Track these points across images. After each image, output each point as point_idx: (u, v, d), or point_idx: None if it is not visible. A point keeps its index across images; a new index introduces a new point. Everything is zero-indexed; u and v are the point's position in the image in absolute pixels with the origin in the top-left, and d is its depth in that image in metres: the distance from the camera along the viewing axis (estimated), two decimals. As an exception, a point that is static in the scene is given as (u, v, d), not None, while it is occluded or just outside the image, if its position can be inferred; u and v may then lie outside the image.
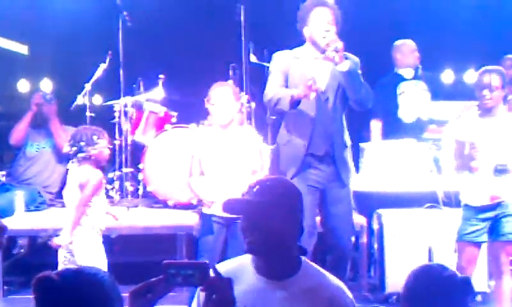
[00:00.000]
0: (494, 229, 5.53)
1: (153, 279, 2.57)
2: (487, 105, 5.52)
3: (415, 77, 7.99)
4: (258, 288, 3.06)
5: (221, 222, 5.67)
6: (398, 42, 8.13)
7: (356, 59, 5.64)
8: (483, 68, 5.62)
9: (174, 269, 2.54)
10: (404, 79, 7.99)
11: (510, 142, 5.48)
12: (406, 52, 8.05)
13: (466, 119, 5.74)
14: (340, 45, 5.33)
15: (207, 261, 2.60)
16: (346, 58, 5.41)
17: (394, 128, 7.81)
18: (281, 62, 5.70)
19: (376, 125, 8.01)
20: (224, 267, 3.04)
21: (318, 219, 5.88)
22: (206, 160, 5.80)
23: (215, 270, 2.58)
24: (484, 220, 5.53)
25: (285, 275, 3.07)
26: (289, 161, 5.67)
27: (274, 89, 5.57)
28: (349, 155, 5.77)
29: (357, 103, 5.61)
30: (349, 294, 3.15)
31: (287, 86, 5.60)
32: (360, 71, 5.62)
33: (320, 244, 5.85)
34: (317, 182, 5.64)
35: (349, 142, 5.78)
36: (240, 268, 3.10)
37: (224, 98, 5.78)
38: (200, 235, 5.82)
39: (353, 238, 6.04)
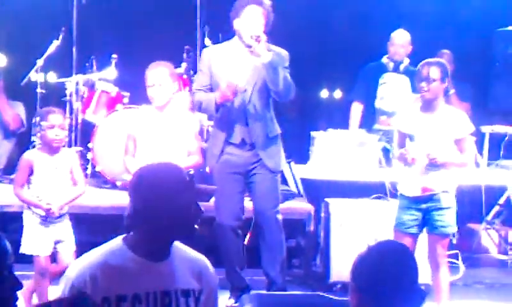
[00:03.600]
0: (427, 222, 5.63)
1: None
2: (425, 97, 5.60)
3: (396, 70, 8.00)
4: (140, 269, 3.08)
5: None
6: (396, 33, 8.14)
7: (284, 53, 5.91)
8: (424, 61, 5.68)
9: None
10: (387, 70, 8.05)
11: (446, 136, 5.57)
12: (398, 43, 8.08)
13: (408, 112, 5.82)
14: (262, 36, 5.59)
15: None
16: (270, 50, 5.66)
17: (370, 116, 7.86)
18: (205, 60, 5.99)
19: (356, 108, 8.12)
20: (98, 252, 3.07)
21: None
22: (140, 140, 5.79)
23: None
24: (417, 210, 5.63)
25: (165, 256, 3.13)
26: (212, 150, 5.99)
27: (198, 94, 5.89)
28: (274, 144, 5.96)
29: (276, 95, 5.83)
30: (212, 268, 3.30)
31: (211, 84, 5.88)
32: (286, 64, 5.89)
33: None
34: (238, 166, 5.89)
35: (274, 132, 5.97)
36: (114, 252, 3.10)
37: (159, 79, 5.76)
38: None
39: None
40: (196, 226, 3.12)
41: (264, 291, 5.95)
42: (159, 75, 5.78)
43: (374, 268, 2.74)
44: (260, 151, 5.85)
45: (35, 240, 5.53)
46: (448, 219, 5.60)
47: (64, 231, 5.61)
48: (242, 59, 5.81)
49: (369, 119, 7.97)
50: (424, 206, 5.61)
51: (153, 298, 3.07)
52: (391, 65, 8.05)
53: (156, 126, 5.79)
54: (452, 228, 5.65)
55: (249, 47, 5.66)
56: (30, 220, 5.57)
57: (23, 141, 7.93)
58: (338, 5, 9.00)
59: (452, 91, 8.18)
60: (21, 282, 2.56)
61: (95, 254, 3.10)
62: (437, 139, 5.55)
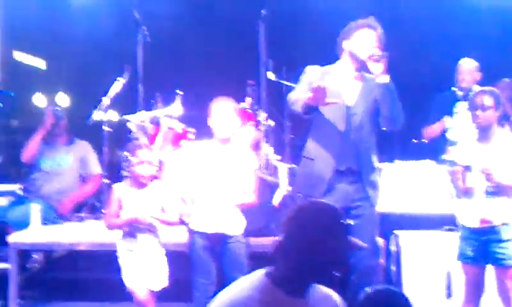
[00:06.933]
0: (489, 254, 5.49)
1: None
2: (480, 124, 5.55)
3: (466, 98, 7.91)
4: (281, 305, 3.12)
5: (209, 238, 5.62)
6: (462, 61, 8.10)
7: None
8: (477, 90, 5.73)
9: None
10: (458, 99, 8.01)
11: (502, 164, 5.45)
12: (464, 71, 8.02)
13: (465, 143, 5.74)
14: (384, 54, 5.39)
15: None
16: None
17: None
18: (311, 74, 5.71)
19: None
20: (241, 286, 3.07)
21: None
22: (201, 172, 5.73)
23: None
24: (477, 241, 5.51)
25: (304, 293, 3.19)
26: (316, 178, 5.61)
27: (293, 92, 5.68)
28: (377, 176, 5.75)
29: (389, 119, 5.58)
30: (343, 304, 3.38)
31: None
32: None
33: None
34: (340, 200, 5.46)
35: (377, 164, 5.75)
36: (257, 287, 3.12)
37: (224, 112, 5.75)
38: (190, 251, 5.74)
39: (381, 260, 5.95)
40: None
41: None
42: (224, 108, 5.78)
43: None
44: (366, 183, 5.60)
45: (131, 272, 5.51)
46: (509, 251, 5.45)
47: (154, 264, 5.58)
48: (350, 80, 5.64)
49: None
50: (483, 238, 5.49)
51: None
52: (460, 94, 7.95)
53: (218, 159, 5.75)
54: None
55: (360, 69, 5.52)
56: (124, 254, 5.57)
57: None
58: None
59: None
60: None
61: (238, 288, 3.13)
62: (494, 168, 5.44)
